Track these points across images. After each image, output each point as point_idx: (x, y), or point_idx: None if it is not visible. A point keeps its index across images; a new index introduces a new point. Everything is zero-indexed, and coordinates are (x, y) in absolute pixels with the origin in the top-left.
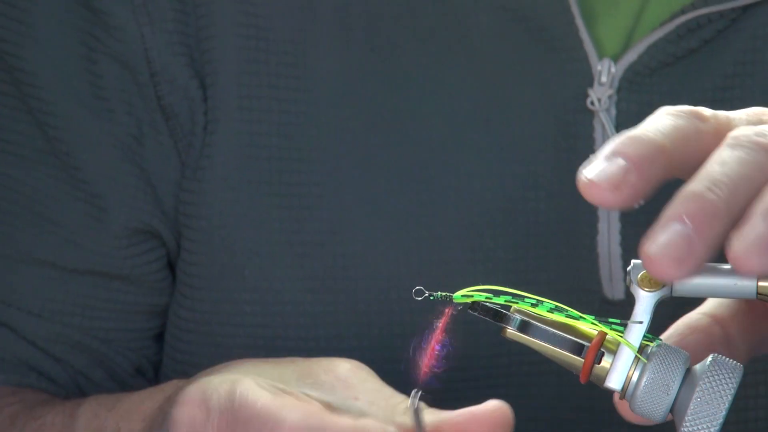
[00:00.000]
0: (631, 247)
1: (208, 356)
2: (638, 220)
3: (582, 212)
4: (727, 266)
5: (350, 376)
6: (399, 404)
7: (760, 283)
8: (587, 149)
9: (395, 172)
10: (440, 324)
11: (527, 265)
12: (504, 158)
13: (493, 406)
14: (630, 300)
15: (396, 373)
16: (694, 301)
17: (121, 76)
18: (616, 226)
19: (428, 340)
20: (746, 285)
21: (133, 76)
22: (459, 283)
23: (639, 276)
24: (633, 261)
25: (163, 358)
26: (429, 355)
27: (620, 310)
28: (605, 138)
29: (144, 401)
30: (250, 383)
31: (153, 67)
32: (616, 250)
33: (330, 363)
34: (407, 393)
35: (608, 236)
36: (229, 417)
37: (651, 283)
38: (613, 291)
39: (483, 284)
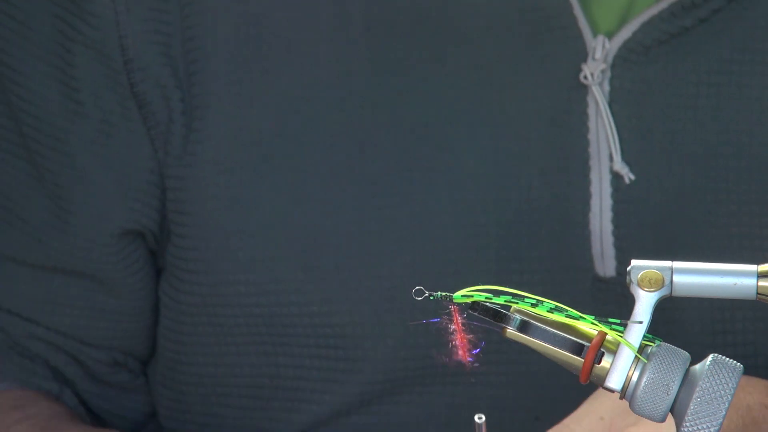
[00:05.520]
0: (622, 224)
1: (212, 336)
2: (630, 197)
3: (574, 189)
4: (727, 266)
5: None
6: None
7: (760, 283)
8: (581, 125)
9: (389, 151)
10: (456, 318)
11: (519, 241)
12: (498, 135)
13: None
14: (621, 278)
15: (385, 349)
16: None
17: (95, 66)
18: (608, 203)
19: (455, 335)
20: (746, 285)
21: (107, 65)
22: (451, 259)
23: (639, 276)
24: (633, 261)
25: (159, 341)
26: (462, 348)
27: (612, 288)
28: (599, 114)
29: None
30: None
31: (127, 55)
32: (608, 227)
33: None
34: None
35: (600, 213)
36: None
37: (651, 283)
38: (605, 268)
39: (475, 261)
